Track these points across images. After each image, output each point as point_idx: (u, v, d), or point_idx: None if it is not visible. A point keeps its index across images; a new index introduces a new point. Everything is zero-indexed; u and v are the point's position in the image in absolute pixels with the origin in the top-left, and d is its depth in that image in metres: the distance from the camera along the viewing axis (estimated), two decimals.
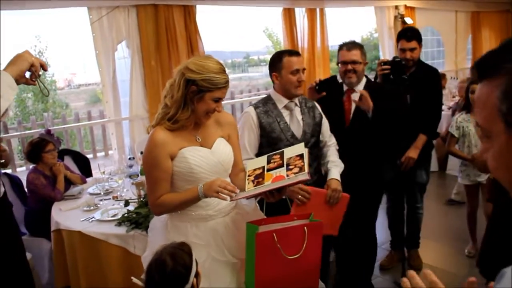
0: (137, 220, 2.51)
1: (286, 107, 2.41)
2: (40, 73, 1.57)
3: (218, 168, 1.81)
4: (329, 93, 2.73)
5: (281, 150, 1.93)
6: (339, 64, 2.65)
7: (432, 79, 3.11)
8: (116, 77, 4.69)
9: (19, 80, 1.50)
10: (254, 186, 1.73)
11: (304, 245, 1.68)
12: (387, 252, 3.58)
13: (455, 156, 3.54)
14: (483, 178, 3.27)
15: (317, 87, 2.76)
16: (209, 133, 1.84)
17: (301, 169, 1.69)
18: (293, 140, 2.38)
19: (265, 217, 1.92)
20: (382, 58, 7.56)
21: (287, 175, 1.70)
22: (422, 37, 3.12)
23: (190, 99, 1.70)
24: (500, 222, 2.08)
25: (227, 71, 1.78)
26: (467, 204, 3.55)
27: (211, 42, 5.66)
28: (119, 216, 2.65)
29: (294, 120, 2.43)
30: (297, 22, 6.27)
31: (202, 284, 1.72)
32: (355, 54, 2.56)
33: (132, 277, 1.47)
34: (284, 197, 1.85)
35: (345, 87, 2.70)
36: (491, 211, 2.26)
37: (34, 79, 1.54)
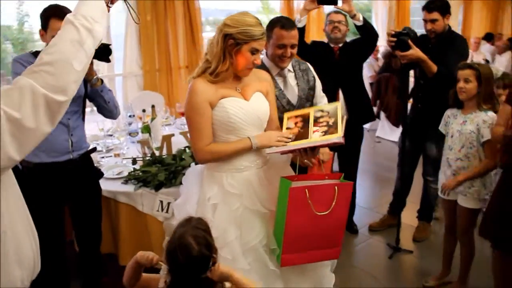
0: (145, 179, 2.51)
1: (279, 74, 2.39)
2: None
3: (255, 120, 1.88)
4: (320, 54, 3.21)
5: (320, 106, 2.04)
6: (328, 24, 3.29)
7: (451, 46, 2.98)
8: (110, 31, 4.54)
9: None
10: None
11: (334, 203, 1.75)
12: (380, 215, 3.71)
13: None
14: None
15: None
16: (249, 86, 1.93)
17: (331, 129, 1.76)
18: (289, 107, 2.39)
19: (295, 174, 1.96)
20: (374, 21, 7.41)
21: (316, 133, 1.79)
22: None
23: (228, 53, 1.80)
24: (509, 186, 2.13)
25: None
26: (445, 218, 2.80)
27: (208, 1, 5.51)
28: (125, 174, 2.64)
29: (289, 86, 2.43)
30: None
31: (234, 231, 1.80)
32: (340, 17, 3.26)
33: (160, 262, 1.48)
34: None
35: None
36: (501, 175, 2.19)
37: (110, 5, 1.38)
